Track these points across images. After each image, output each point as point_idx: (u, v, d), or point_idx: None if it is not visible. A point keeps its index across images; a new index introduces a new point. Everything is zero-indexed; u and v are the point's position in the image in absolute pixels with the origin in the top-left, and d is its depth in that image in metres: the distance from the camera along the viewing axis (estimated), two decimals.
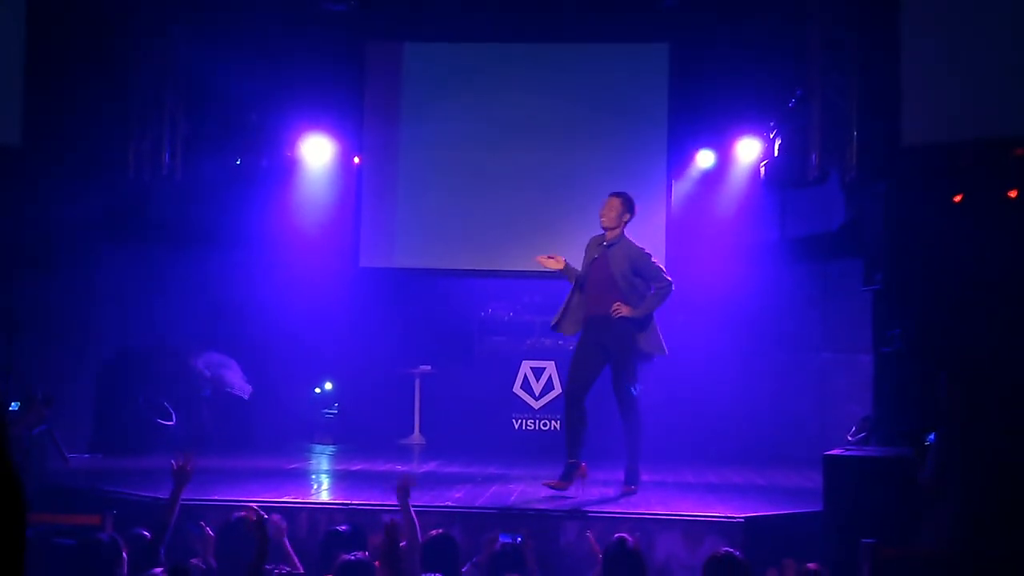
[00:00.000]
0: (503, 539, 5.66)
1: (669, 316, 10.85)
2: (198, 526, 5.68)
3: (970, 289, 7.35)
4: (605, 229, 7.43)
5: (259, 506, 4.50)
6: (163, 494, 6.57)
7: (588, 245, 7.57)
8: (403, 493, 5.57)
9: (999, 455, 5.51)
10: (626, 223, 7.44)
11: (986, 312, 7.22)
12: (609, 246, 7.40)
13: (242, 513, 5.30)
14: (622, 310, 7.24)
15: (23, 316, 8.78)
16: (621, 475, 8.36)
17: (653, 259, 7.46)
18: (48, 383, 8.55)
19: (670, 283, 7.41)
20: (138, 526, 5.57)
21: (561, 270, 7.49)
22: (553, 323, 7.66)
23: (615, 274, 7.32)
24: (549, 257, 7.48)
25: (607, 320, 7.30)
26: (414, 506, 5.65)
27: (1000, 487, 5.42)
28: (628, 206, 7.44)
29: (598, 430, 10.41)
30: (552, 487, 7.26)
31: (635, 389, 7.39)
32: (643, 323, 7.36)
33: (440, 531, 5.32)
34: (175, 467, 5.40)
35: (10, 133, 8.90)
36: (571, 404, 7.50)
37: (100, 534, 5.10)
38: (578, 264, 7.54)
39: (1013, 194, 7.34)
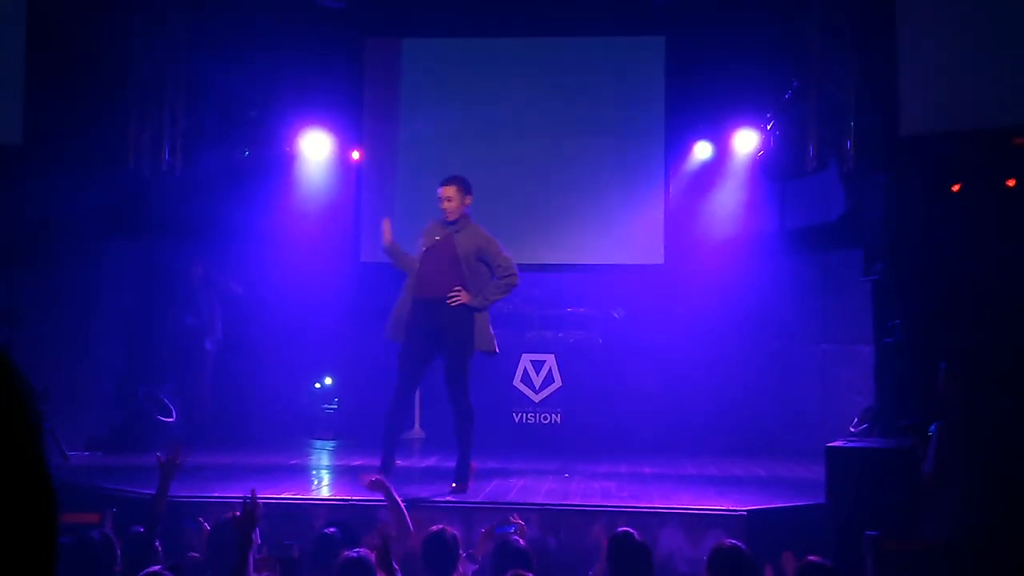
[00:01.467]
0: (500, 531, 5.66)
1: (668, 308, 10.92)
2: (196, 522, 5.67)
3: (969, 278, 7.34)
4: (451, 221, 7.15)
5: (259, 502, 4.47)
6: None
7: (426, 231, 7.27)
8: (379, 490, 5.59)
9: (1000, 446, 5.50)
10: (468, 206, 7.24)
11: (985, 301, 7.21)
12: (457, 230, 7.15)
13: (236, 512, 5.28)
14: (461, 297, 6.97)
15: (24, 311, 8.78)
16: (623, 468, 8.38)
17: (502, 248, 7.19)
18: (49, 379, 8.55)
19: (515, 276, 7.14)
20: (138, 524, 5.56)
21: (387, 244, 7.21)
22: (388, 333, 7.38)
23: (459, 256, 7.06)
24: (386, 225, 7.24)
25: (441, 305, 7.01)
26: (415, 500, 5.65)
27: (1001, 478, 5.41)
28: (467, 189, 7.24)
29: (603, 424, 10.50)
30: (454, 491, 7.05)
31: (468, 393, 7.16)
32: (478, 317, 7.10)
33: (439, 527, 5.32)
34: (162, 460, 5.37)
35: (11, 132, 8.90)
36: (398, 404, 7.32)
37: (93, 532, 5.07)
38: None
39: (1011, 183, 7.33)
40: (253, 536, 4.45)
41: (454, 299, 6.98)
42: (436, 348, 7.16)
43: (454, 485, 7.11)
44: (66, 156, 9.34)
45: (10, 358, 1.41)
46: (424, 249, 7.18)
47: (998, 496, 5.38)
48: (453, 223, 7.15)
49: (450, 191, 7.19)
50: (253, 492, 4.45)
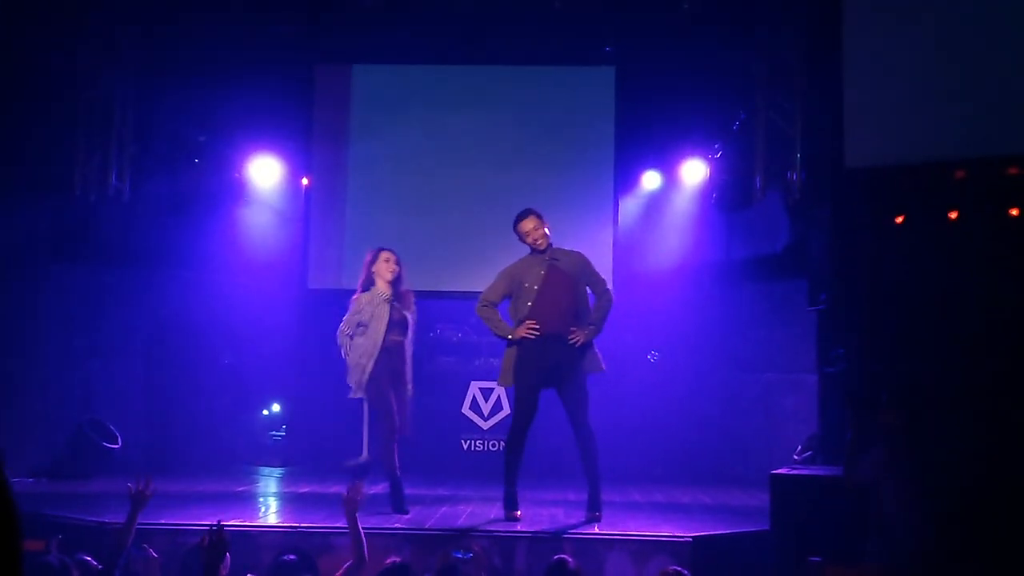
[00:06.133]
0: (456, 555, 5.66)
1: (616, 336, 10.97)
2: (141, 549, 5.62)
3: (912, 308, 7.45)
4: (543, 250, 7.23)
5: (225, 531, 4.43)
6: (109, 518, 6.51)
7: (521, 270, 7.27)
8: (351, 507, 5.50)
9: (942, 474, 5.59)
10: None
11: (927, 330, 7.33)
12: (557, 259, 7.24)
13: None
14: (579, 337, 7.04)
15: None
16: (570, 496, 8.40)
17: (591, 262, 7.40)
18: None
19: (610, 291, 7.37)
20: (84, 551, 5.50)
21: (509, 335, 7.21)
22: (501, 380, 7.40)
23: (572, 284, 7.19)
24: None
25: (562, 340, 7.07)
26: (366, 528, 5.62)
27: (942, 506, 5.49)
28: (541, 215, 7.35)
29: (550, 451, 10.51)
30: None
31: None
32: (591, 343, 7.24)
33: (394, 560, 5.30)
34: (133, 490, 5.33)
35: None
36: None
37: (48, 557, 5.01)
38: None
39: (953, 215, 7.47)
40: (221, 567, 4.42)
41: (575, 340, 7.03)
42: (554, 381, 7.20)
43: (597, 515, 7.13)
44: (12, 180, 9.24)
45: None
46: (535, 287, 7.16)
47: (939, 524, 5.45)
48: (544, 251, 7.24)
49: (536, 220, 7.25)
50: (219, 523, 4.43)
